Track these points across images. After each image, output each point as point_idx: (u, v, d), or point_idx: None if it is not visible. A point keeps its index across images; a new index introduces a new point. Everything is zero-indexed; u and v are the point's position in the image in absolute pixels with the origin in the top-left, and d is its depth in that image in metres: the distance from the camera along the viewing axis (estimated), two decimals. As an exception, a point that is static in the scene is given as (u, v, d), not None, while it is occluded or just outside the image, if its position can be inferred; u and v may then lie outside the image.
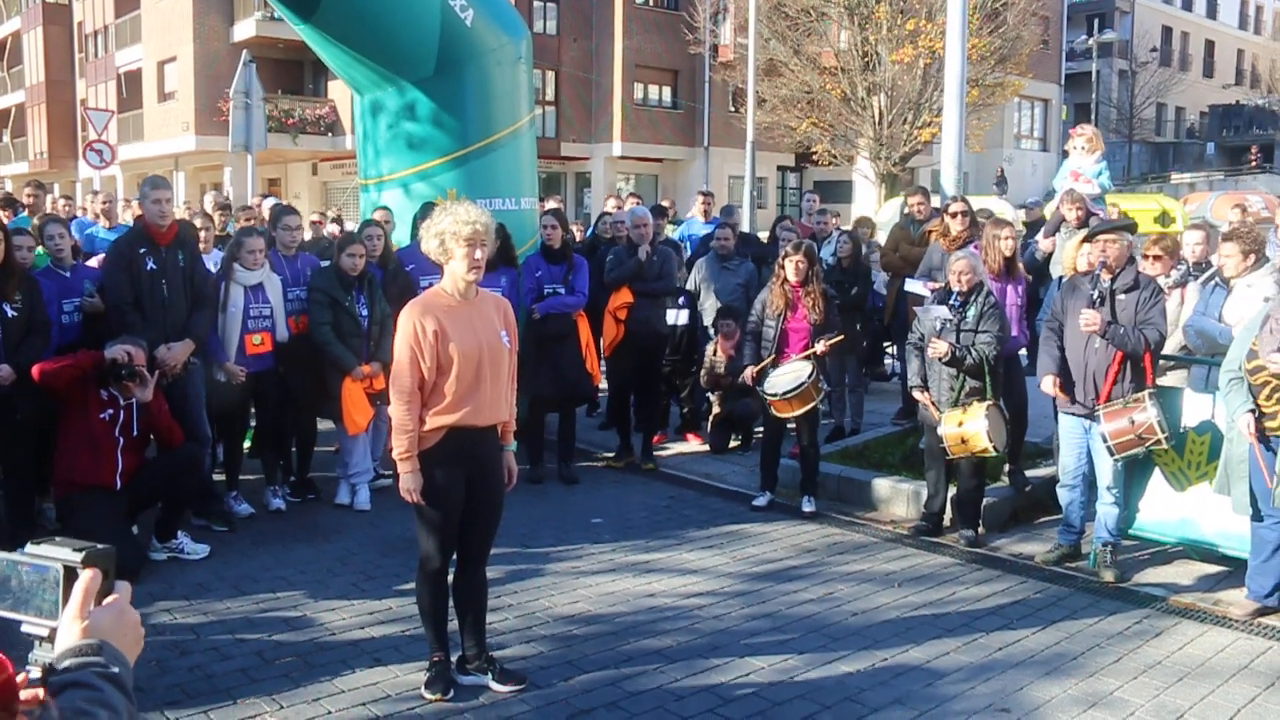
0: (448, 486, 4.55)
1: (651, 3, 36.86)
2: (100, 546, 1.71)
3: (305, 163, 35.91)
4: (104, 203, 11.61)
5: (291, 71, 33.46)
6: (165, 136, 34.76)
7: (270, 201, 12.21)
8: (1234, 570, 6.27)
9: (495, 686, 4.72)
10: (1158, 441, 6.02)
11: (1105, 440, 6.11)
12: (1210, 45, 59.06)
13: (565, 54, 35.78)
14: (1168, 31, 55.23)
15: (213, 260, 7.81)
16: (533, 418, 8.48)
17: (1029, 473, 7.87)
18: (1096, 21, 48.68)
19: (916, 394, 7.21)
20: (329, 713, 4.50)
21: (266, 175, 36.99)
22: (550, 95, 35.90)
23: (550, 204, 10.38)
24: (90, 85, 41.97)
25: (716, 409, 9.39)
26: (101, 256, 7.66)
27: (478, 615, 4.84)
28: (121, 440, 6.23)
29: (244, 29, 32.53)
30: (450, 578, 4.79)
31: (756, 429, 9.12)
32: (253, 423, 7.81)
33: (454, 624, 4.87)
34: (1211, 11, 58.78)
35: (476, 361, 4.47)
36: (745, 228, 18.13)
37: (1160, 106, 54.27)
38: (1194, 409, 6.56)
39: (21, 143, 47.77)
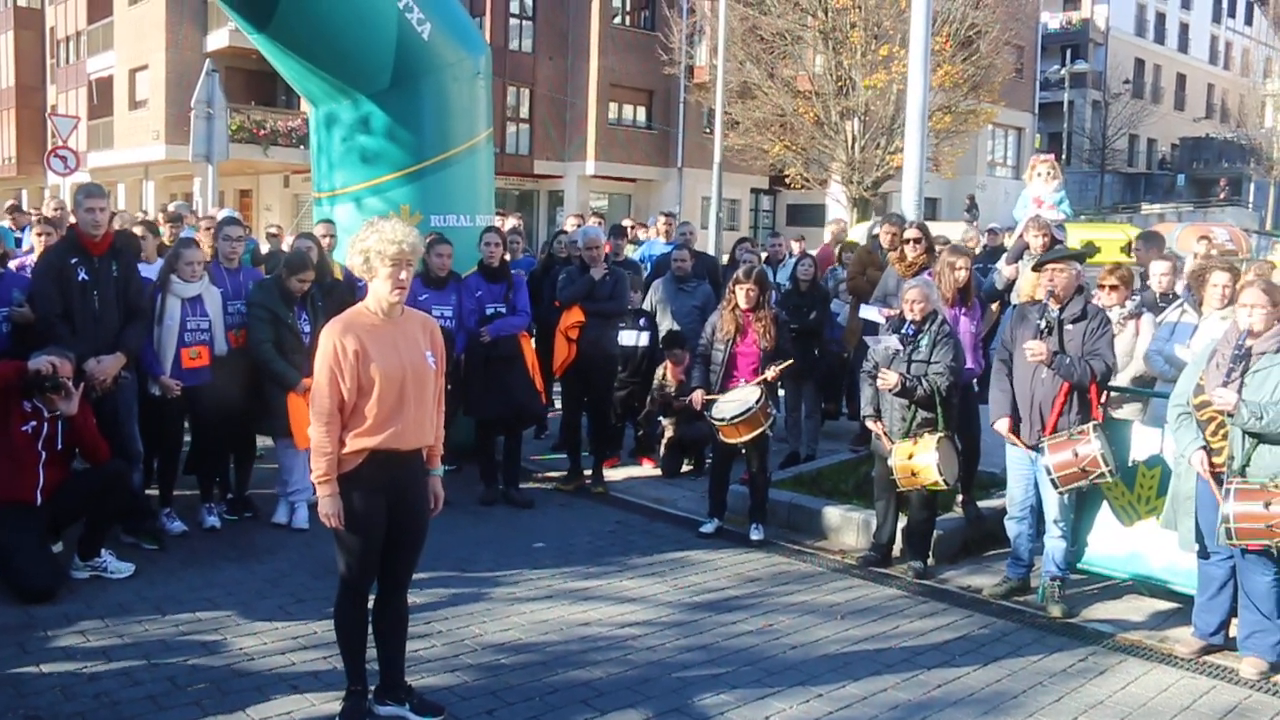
0: (368, 512, 4.37)
1: (628, 23, 36.90)
2: None
3: (277, 175, 35.64)
4: (55, 209, 11.39)
5: (264, 83, 33.20)
6: (135, 145, 34.46)
7: (225, 212, 12.03)
8: (1183, 606, 6.17)
9: (412, 718, 4.55)
10: (1101, 475, 5.93)
11: (1050, 473, 6.02)
12: (1182, 79, 59.75)
13: (540, 72, 35.75)
14: (1140, 64, 55.84)
15: (154, 271, 7.62)
16: (482, 440, 8.33)
17: (982, 503, 7.76)
18: (1070, 52, 49.11)
19: (869, 423, 7.10)
20: (237, 744, 4.33)
21: (239, 187, 36.75)
22: (525, 113, 35.85)
23: (496, 221, 10.21)
24: (61, 91, 41.60)
25: (670, 433, 9.26)
26: (24, 260, 7.47)
27: (397, 644, 4.65)
28: (44, 454, 6.03)
29: (217, 39, 32.32)
30: (370, 604, 4.62)
31: (709, 454, 8.99)
32: (188, 439, 7.61)
33: (374, 651, 4.69)
34: (1183, 46, 59.49)
35: (400, 383, 4.33)
36: (711, 248, 18.07)
37: (1133, 138, 54.78)
38: (1143, 442, 6.48)
39: (-10, 148, 47.26)
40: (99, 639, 5.31)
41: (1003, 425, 6.37)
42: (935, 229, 11.23)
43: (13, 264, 7.70)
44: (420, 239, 4.48)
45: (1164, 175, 55.48)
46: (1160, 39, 57.63)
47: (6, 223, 12.46)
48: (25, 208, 14.99)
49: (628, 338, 8.98)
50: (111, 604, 5.79)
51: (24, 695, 4.65)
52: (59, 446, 6.13)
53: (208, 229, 9.80)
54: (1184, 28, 59.42)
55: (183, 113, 30.29)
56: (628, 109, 37.08)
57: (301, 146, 31.81)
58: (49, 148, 28.21)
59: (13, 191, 39.90)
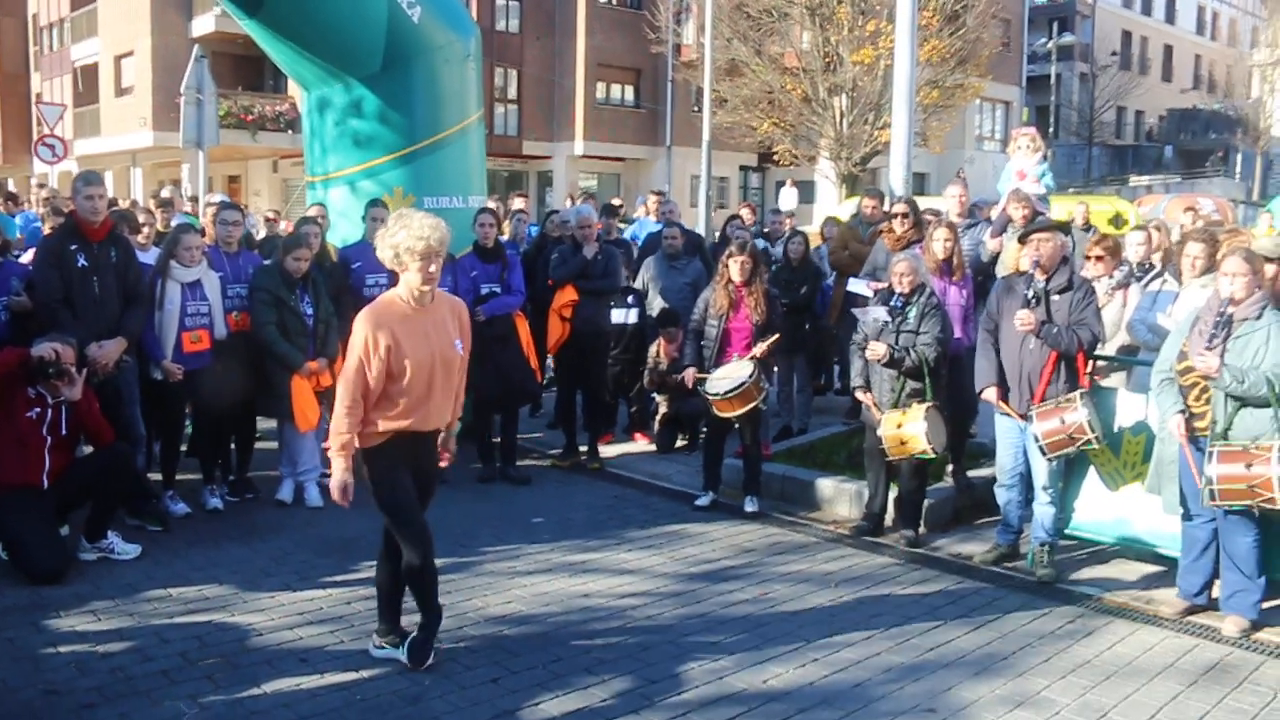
0: (397, 475, 4.71)
1: (614, 2, 36.76)
2: None
3: (266, 160, 35.56)
4: (49, 198, 11.45)
5: (252, 67, 33.07)
6: (122, 132, 34.33)
7: (216, 197, 12.10)
8: (1169, 569, 6.32)
9: (406, 660, 4.87)
10: (1088, 441, 6.06)
11: (1038, 440, 6.14)
12: (1169, 50, 59.70)
13: (528, 52, 35.64)
14: (1127, 35, 55.78)
15: (153, 257, 7.70)
16: (478, 419, 8.44)
17: (972, 473, 7.90)
18: (1057, 24, 49.07)
19: (859, 394, 7.23)
20: (250, 713, 4.44)
21: (227, 172, 36.64)
22: (512, 94, 35.77)
23: (491, 203, 10.31)
24: (46, 79, 41.37)
25: (664, 409, 9.38)
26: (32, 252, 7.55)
27: (395, 597, 5.00)
28: (49, 439, 6.14)
29: (203, 24, 32.20)
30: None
31: (703, 429, 9.11)
32: (190, 422, 7.71)
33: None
34: (1170, 17, 59.43)
35: (429, 370, 4.63)
36: (701, 227, 18.16)
37: (1120, 110, 54.78)
38: (1128, 409, 6.61)
39: (-24, 137, 47.01)
40: (110, 617, 5.43)
41: (990, 394, 6.49)
42: (924, 203, 11.35)
43: (27, 255, 7.78)
44: (448, 231, 4.65)
45: (1152, 147, 55.51)
46: (1147, 10, 57.56)
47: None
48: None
49: (618, 315, 9.07)
50: (120, 584, 5.90)
51: (41, 670, 4.77)
52: (64, 431, 6.23)
53: (212, 217, 9.88)
54: (1170, -3, 59.45)
55: (170, 99, 30.25)
56: (615, 88, 37.01)
57: (289, 131, 31.80)
58: (35, 136, 28.15)
59: None
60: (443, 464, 5.03)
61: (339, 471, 4.64)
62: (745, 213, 12.07)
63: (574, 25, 35.43)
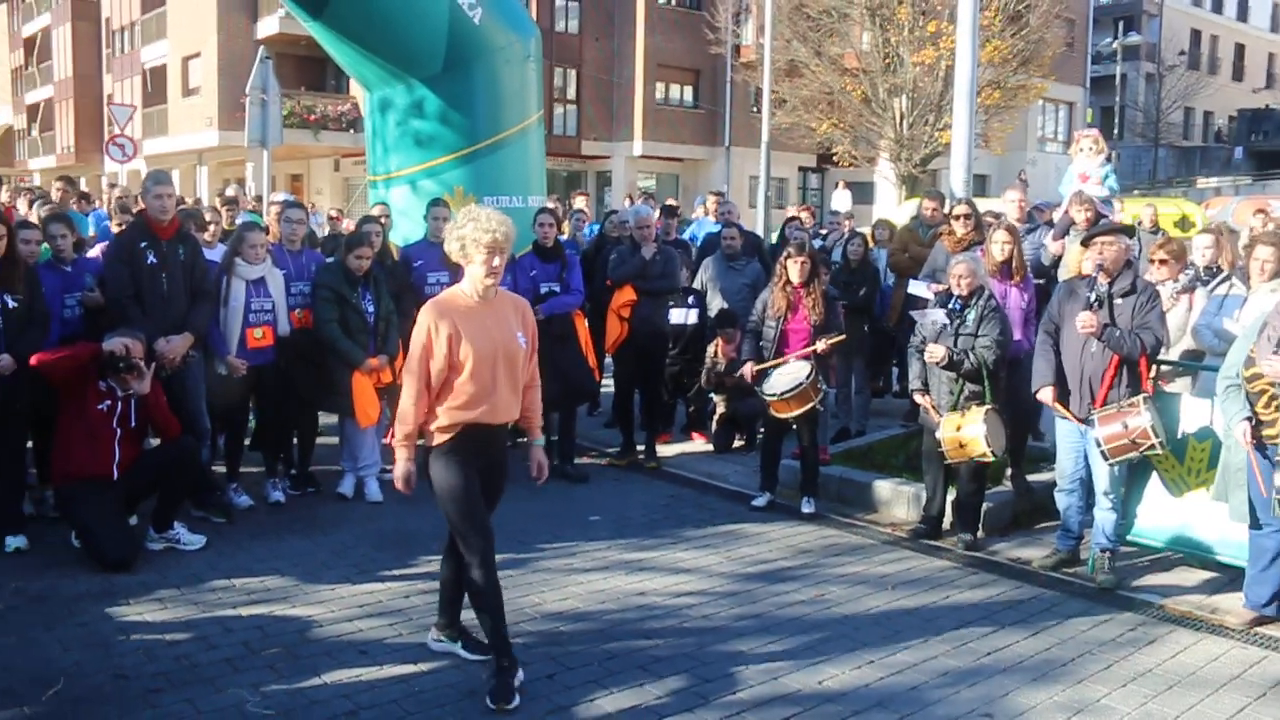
0: (466, 481, 4.65)
1: (674, 2, 36.79)
2: None
3: (328, 159, 36.07)
4: (120, 197, 11.70)
5: (314, 68, 33.62)
6: (189, 131, 35.04)
7: (280, 196, 12.30)
8: (1233, 578, 6.20)
9: (463, 654, 4.94)
10: (1152, 446, 5.96)
11: (1099, 445, 6.06)
12: (1240, 48, 58.48)
13: (587, 53, 35.79)
14: (1197, 34, 54.73)
15: (219, 254, 7.85)
16: (537, 416, 8.48)
17: (1031, 477, 7.82)
18: (1123, 24, 48.26)
19: (917, 396, 7.18)
20: (311, 703, 4.52)
21: (289, 171, 37.23)
22: (571, 94, 35.93)
23: (550, 203, 10.39)
24: (116, 80, 42.33)
25: (721, 409, 9.38)
26: (103, 246, 7.74)
27: (458, 595, 4.99)
28: (119, 431, 6.29)
29: (267, 25, 32.76)
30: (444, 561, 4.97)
31: (761, 429, 9.10)
32: (254, 416, 7.86)
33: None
34: (1243, 14, 58.19)
35: (492, 362, 4.63)
36: (759, 228, 18.13)
37: (1188, 110, 53.78)
38: (1193, 415, 6.49)
39: (50, 137, 48.19)
40: (176, 606, 5.56)
41: (1046, 394, 6.41)
42: (985, 205, 11.25)
43: (96, 250, 7.99)
44: (514, 227, 4.70)
45: (1220, 148, 54.37)
46: (1218, 8, 56.43)
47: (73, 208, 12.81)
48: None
49: (677, 316, 9.09)
50: (186, 573, 6.03)
51: (111, 656, 4.90)
52: (133, 424, 6.38)
53: (255, 208, 10.07)
54: (1243, -7, 58.17)
55: (235, 99, 30.81)
56: (675, 89, 37.03)
57: (351, 130, 32.25)
58: (106, 136, 28.78)
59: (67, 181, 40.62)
60: (537, 478, 5.01)
61: (402, 462, 4.66)
62: (804, 215, 12.03)
63: (633, 26, 35.51)
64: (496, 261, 4.60)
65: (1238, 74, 58.30)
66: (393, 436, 4.80)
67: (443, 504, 4.68)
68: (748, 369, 7.60)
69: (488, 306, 4.69)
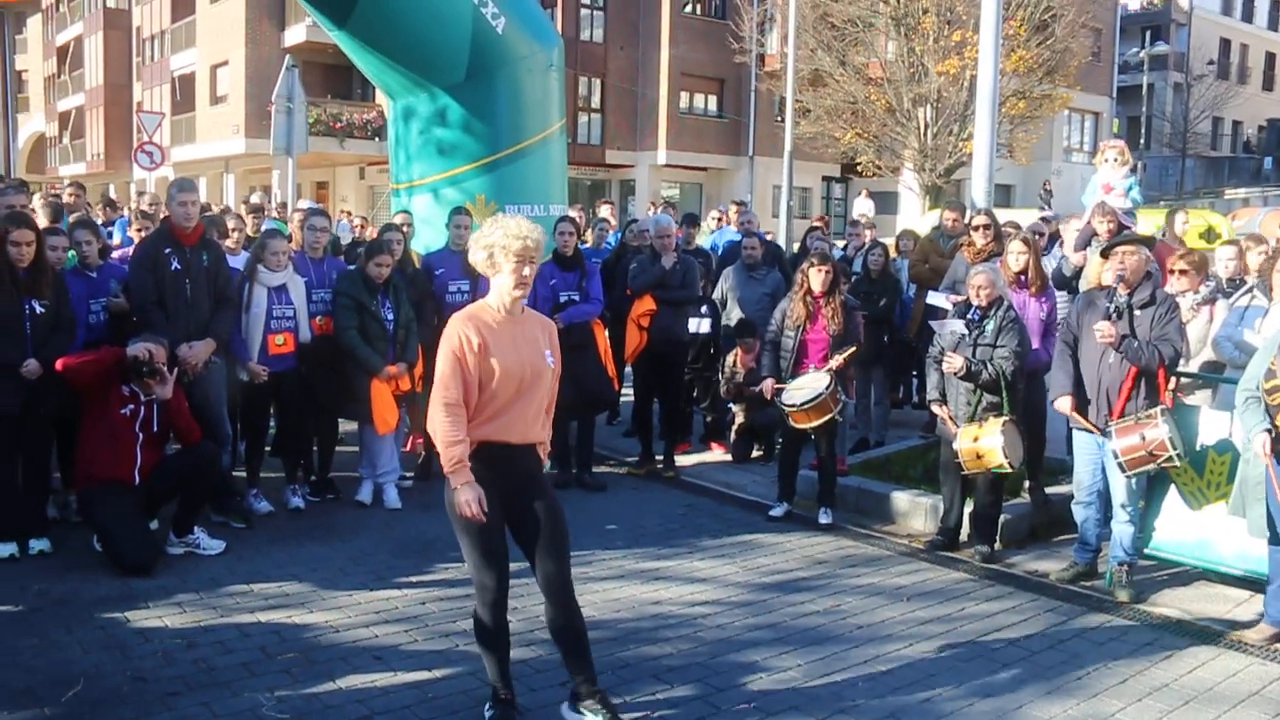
0: (487, 514, 4.30)
1: (698, 11, 36.91)
2: None
3: (353, 167, 36.34)
4: (150, 204, 11.82)
5: (340, 76, 33.87)
6: (216, 139, 35.36)
7: (305, 203, 12.40)
8: (1255, 594, 6.16)
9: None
10: (1170, 459, 5.93)
11: (1117, 457, 6.03)
12: (1271, 58, 57.99)
13: (611, 62, 35.91)
14: (1226, 44, 54.30)
15: (242, 261, 7.92)
16: (556, 426, 8.50)
17: (1049, 489, 7.78)
18: (1150, 33, 47.97)
19: (934, 407, 7.17)
20: (326, 707, 4.56)
21: (314, 179, 37.51)
22: (596, 103, 36.05)
23: (573, 212, 10.42)
24: (146, 88, 42.79)
25: (740, 419, 9.38)
26: (125, 251, 7.83)
27: (569, 648, 4.50)
28: (141, 436, 6.36)
29: (295, 34, 33.02)
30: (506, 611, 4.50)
31: (779, 439, 9.10)
32: (274, 422, 7.92)
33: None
34: (1273, 23, 57.69)
35: (518, 379, 4.34)
36: (781, 237, 18.12)
37: (1216, 120, 53.34)
38: (1212, 427, 6.45)
39: (80, 144, 48.73)
40: (194, 610, 5.61)
41: (1064, 404, 6.38)
42: (1007, 216, 11.23)
43: (115, 254, 8.09)
44: (544, 235, 4.48)
45: (1250, 159, 53.91)
46: (1248, 17, 55.98)
47: (99, 217, 12.96)
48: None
49: (691, 325, 9.09)
50: (204, 578, 6.09)
51: (129, 659, 4.96)
52: (154, 429, 6.45)
53: (300, 222, 10.12)
54: (1275, 3, 57.57)
55: (262, 107, 31.09)
56: (699, 98, 37.10)
57: (376, 139, 32.45)
58: (135, 144, 29.12)
59: (101, 187, 41.13)
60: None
61: (465, 489, 4.22)
62: (818, 225, 12.03)
63: (658, 35, 35.62)
64: (526, 271, 4.30)
65: (1268, 84, 57.80)
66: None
67: (456, 531, 4.39)
68: (767, 385, 7.59)
69: (515, 323, 4.40)
